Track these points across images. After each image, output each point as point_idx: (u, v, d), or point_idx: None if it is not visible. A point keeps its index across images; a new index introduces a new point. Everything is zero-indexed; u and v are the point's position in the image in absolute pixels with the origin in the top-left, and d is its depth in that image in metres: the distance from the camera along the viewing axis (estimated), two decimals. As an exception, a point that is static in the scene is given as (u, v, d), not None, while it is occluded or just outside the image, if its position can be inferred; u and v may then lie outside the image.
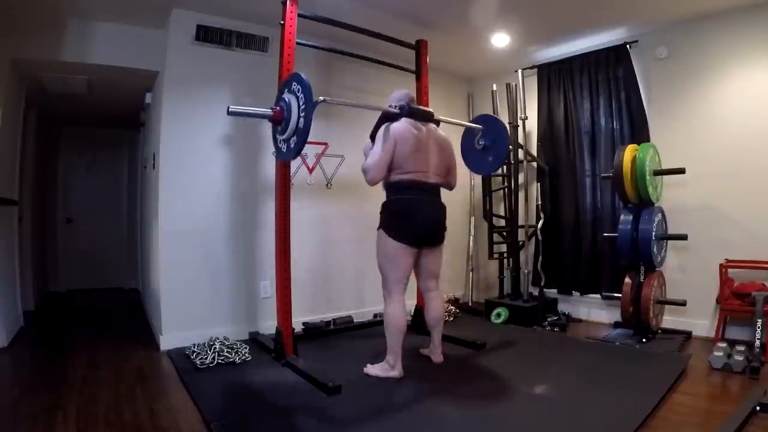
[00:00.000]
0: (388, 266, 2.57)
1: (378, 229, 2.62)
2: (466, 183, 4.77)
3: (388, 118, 2.62)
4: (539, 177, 4.30)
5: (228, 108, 2.34)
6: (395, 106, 2.62)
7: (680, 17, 3.45)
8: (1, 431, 1.96)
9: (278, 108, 2.45)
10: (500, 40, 3.86)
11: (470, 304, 4.55)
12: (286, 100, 2.41)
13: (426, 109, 2.86)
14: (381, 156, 2.49)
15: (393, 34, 3.35)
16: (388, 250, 2.55)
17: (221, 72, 3.38)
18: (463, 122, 3.29)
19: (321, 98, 2.34)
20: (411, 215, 2.54)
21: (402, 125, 2.56)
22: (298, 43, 2.83)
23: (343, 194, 3.84)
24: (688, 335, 3.35)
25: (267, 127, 3.41)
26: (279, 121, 2.44)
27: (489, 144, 3.07)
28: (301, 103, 2.30)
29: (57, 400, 2.24)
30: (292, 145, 2.34)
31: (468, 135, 3.25)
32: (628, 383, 2.44)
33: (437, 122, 2.79)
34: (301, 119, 2.28)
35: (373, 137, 2.68)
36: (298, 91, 2.33)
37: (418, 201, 2.57)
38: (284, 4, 2.78)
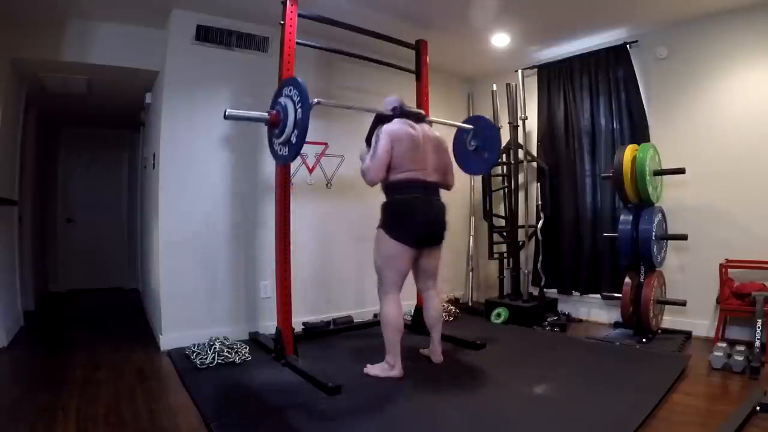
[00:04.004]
0: (386, 266, 2.57)
1: (377, 228, 2.61)
2: (466, 183, 4.77)
3: (381, 120, 2.66)
4: (539, 177, 4.30)
5: (225, 112, 2.37)
6: (388, 109, 2.67)
7: (680, 17, 3.44)
8: (1, 431, 1.96)
9: (274, 111, 2.48)
10: (500, 40, 3.86)
11: (470, 304, 4.54)
12: (282, 103, 2.43)
13: (417, 110, 2.88)
14: (379, 156, 2.50)
15: (393, 34, 3.35)
16: (388, 250, 2.54)
17: (221, 72, 3.38)
18: (453, 122, 3.31)
19: (315, 100, 2.36)
20: (411, 215, 2.52)
21: (396, 125, 2.58)
22: (298, 43, 2.84)
23: (343, 194, 3.84)
24: (688, 335, 3.35)
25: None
26: (276, 123, 2.46)
27: (480, 144, 3.11)
28: (297, 103, 2.32)
29: (57, 400, 2.24)
30: (293, 141, 2.35)
31: (459, 137, 3.27)
32: (628, 383, 2.44)
33: (429, 123, 2.83)
34: (299, 114, 2.29)
35: (368, 141, 2.73)
36: (294, 94, 2.36)
37: (418, 200, 2.55)
38: (284, 4, 2.78)
